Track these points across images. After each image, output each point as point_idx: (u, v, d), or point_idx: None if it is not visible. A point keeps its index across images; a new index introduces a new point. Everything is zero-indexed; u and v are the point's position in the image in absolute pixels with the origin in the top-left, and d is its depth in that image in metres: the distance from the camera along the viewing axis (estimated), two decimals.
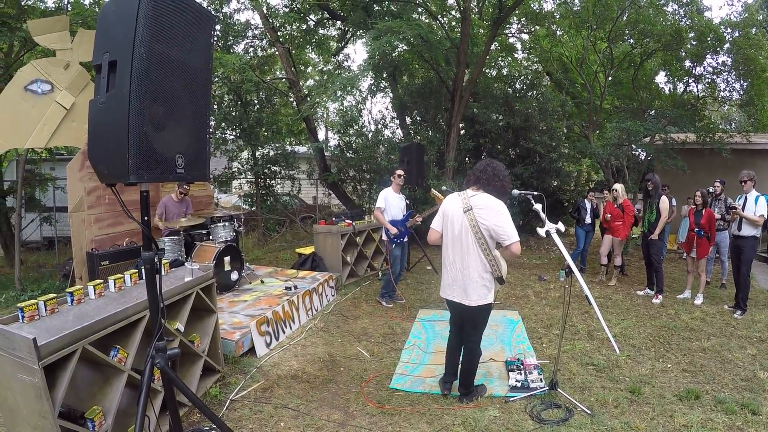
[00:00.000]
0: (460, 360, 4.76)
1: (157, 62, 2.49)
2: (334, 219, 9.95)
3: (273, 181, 16.43)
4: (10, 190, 11.52)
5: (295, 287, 7.54)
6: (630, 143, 13.59)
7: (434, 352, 5.81)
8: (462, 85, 13.55)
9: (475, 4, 15.63)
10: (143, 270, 2.82)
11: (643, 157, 15.01)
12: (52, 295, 3.53)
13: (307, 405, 4.61)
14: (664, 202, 8.20)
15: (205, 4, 12.16)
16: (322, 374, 5.32)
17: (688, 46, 13.67)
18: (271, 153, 16.09)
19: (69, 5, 11.02)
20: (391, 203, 7.83)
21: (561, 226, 4.60)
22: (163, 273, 2.99)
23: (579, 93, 17.33)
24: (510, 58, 18.45)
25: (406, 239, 8.12)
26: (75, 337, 3.06)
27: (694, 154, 13.69)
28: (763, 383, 4.96)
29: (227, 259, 7.58)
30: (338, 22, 16.04)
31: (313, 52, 18.73)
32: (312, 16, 15.75)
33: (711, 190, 8.57)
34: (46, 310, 3.41)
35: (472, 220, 4.25)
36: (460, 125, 14.33)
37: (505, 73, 18.05)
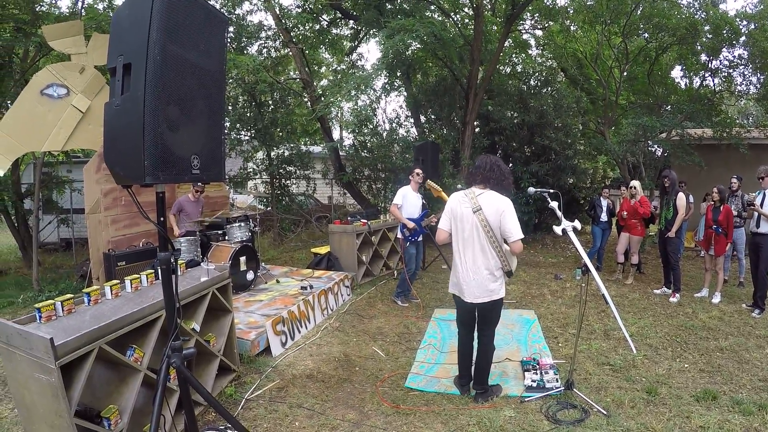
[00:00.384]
0: (475, 358, 4.79)
1: (172, 64, 2.51)
2: (349, 218, 9.98)
3: (288, 181, 16.53)
4: (28, 192, 11.66)
5: (311, 287, 7.57)
6: (646, 139, 13.50)
7: (449, 351, 5.80)
8: (476, 83, 13.50)
9: (488, 0, 15.57)
10: (159, 270, 2.85)
11: (660, 154, 14.90)
12: (69, 296, 3.59)
13: (322, 404, 4.63)
14: (681, 199, 8.11)
15: (218, 6, 12.23)
16: (337, 374, 5.34)
17: (704, 40, 13.48)
18: (286, 153, 16.17)
19: (83, 10, 11.13)
20: (409, 201, 7.85)
21: (577, 224, 4.59)
22: (179, 273, 3.01)
23: (594, 89, 17.19)
24: (524, 55, 18.33)
25: (420, 238, 8.12)
26: (92, 336, 3.10)
27: (711, 150, 13.57)
28: None
29: (243, 259, 7.65)
30: (351, 22, 16.05)
31: (326, 52, 18.76)
32: (325, 16, 15.76)
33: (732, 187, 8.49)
34: (63, 310, 3.47)
35: (483, 219, 4.32)
36: (475, 123, 14.29)
37: (519, 70, 17.95)
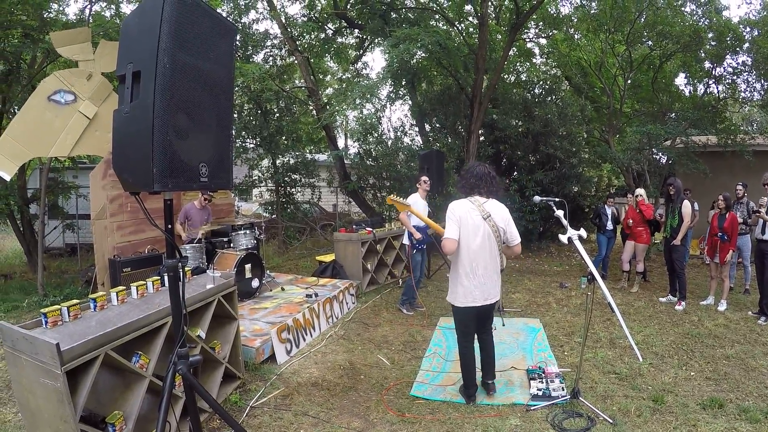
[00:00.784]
0: (486, 354, 4.93)
1: (181, 72, 2.52)
2: (354, 227, 9.99)
3: (293, 189, 16.55)
4: (34, 197, 11.74)
5: (316, 295, 7.58)
6: (651, 147, 13.49)
7: (455, 360, 5.77)
8: (481, 92, 13.53)
9: (492, 9, 15.62)
10: (166, 277, 2.86)
11: (664, 161, 14.88)
12: (75, 301, 3.60)
13: (327, 412, 4.63)
14: (686, 206, 8.10)
15: (224, 15, 12.30)
16: (342, 382, 5.34)
17: (707, 47, 13.51)
18: (291, 161, 16.22)
19: (90, 17, 11.22)
20: (419, 209, 7.84)
21: (583, 232, 4.59)
22: (185, 280, 3.02)
23: (598, 97, 17.23)
24: (528, 64, 18.39)
25: (424, 246, 8.13)
26: (98, 342, 3.11)
27: (716, 157, 13.56)
28: None
29: (248, 266, 7.66)
30: (356, 31, 16.15)
31: (331, 61, 18.84)
32: (330, 25, 15.86)
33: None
34: (69, 315, 3.48)
35: (494, 226, 4.48)
36: (480, 132, 14.30)
37: (523, 79, 18.00)
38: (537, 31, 17.18)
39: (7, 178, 7.45)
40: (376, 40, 15.25)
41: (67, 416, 2.90)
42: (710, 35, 13.26)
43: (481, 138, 14.85)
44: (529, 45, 18.08)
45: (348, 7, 14.91)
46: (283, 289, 8.25)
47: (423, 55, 14.03)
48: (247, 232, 8.52)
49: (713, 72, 14.47)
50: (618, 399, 4.76)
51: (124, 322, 3.41)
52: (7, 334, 3.09)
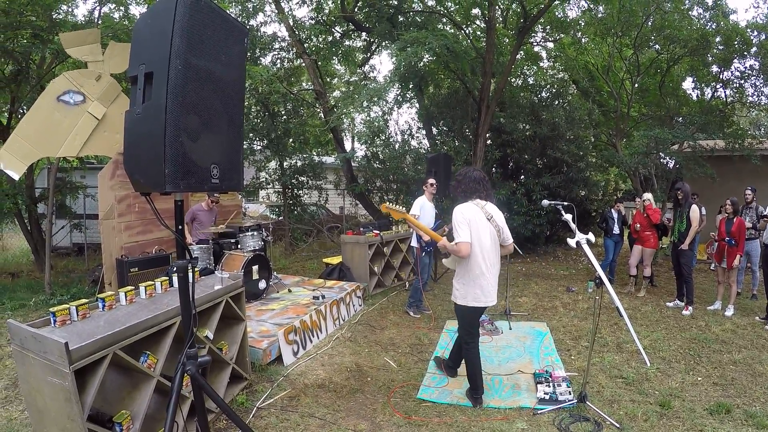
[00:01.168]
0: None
1: (193, 74, 2.53)
2: (362, 229, 10.00)
3: (300, 191, 16.59)
4: (42, 197, 11.81)
5: (323, 297, 7.59)
6: (658, 151, 13.44)
7: (462, 363, 5.78)
8: (488, 95, 13.52)
9: (500, 13, 15.61)
10: (175, 277, 2.86)
11: (672, 166, 14.83)
12: (83, 300, 3.62)
13: (333, 414, 4.65)
14: (694, 211, 8.08)
15: None
16: (349, 384, 5.36)
17: (715, 51, 13.44)
18: (299, 163, 16.27)
19: (99, 19, 11.27)
20: (426, 212, 7.89)
21: (591, 236, 4.60)
22: (194, 281, 3.03)
23: (606, 101, 17.17)
24: (535, 67, 18.36)
25: (431, 248, 8.14)
26: (106, 342, 3.12)
27: (723, 162, 13.50)
28: None
29: (255, 268, 7.68)
30: (363, 34, 16.15)
31: (339, 64, 18.86)
32: (338, 28, 15.86)
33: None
34: (77, 314, 3.51)
35: (496, 226, 4.68)
36: (487, 135, 14.29)
37: (531, 82, 17.99)
38: (544, 34, 17.14)
39: (16, 177, 7.50)
40: (384, 44, 15.26)
41: (74, 415, 2.91)
42: (718, 39, 13.20)
43: (489, 141, 14.84)
44: (536, 49, 18.03)
45: (356, 10, 14.94)
46: (290, 291, 8.27)
47: (430, 58, 14.03)
48: (255, 233, 8.54)
49: (721, 76, 14.40)
50: (625, 403, 4.75)
51: (132, 321, 3.42)
52: (15, 332, 3.11)
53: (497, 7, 14.01)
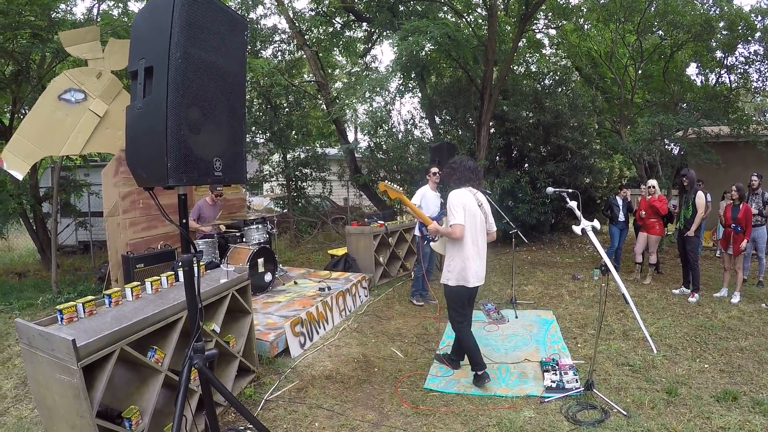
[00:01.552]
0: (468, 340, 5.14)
1: (193, 67, 2.51)
2: (366, 220, 10.00)
3: (304, 183, 16.60)
4: (46, 196, 11.82)
5: (329, 288, 7.62)
6: (663, 138, 13.39)
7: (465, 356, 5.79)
8: (491, 83, 13.44)
9: (501, 0, 15.53)
10: (180, 272, 2.85)
11: (676, 152, 14.77)
12: (90, 297, 3.63)
13: (341, 405, 4.66)
14: (700, 197, 8.03)
15: None
16: (356, 375, 5.37)
17: (719, 36, 13.38)
18: (302, 155, 16.29)
19: (98, 17, 11.25)
20: (428, 201, 7.84)
21: (597, 223, 4.60)
22: (200, 274, 3.02)
23: (609, 88, 17.10)
24: (538, 54, 18.26)
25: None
26: (113, 338, 3.13)
27: (728, 148, 13.45)
28: None
29: (261, 260, 7.69)
30: (364, 24, 16.08)
31: (340, 55, 18.81)
32: (338, 19, 15.80)
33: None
34: (84, 311, 3.51)
35: (484, 213, 4.99)
36: (490, 123, 14.24)
37: (533, 70, 17.88)
38: (546, 21, 17.02)
39: (20, 177, 7.49)
40: (385, 33, 15.21)
41: (83, 411, 2.91)
42: (721, 24, 13.13)
43: (492, 130, 14.77)
44: (538, 36, 17.94)
45: (356, 0, 14.87)
46: (296, 283, 8.29)
47: (432, 47, 13.97)
48: (260, 226, 8.55)
49: (725, 62, 14.34)
50: (632, 391, 4.75)
51: (139, 317, 3.43)
52: (23, 331, 3.11)
53: None
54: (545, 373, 5.02)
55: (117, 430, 3.17)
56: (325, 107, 16.20)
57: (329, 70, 18.91)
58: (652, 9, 13.53)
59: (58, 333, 2.98)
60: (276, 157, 16.49)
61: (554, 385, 4.82)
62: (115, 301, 3.82)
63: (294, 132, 15.66)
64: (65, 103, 7.55)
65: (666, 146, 14.60)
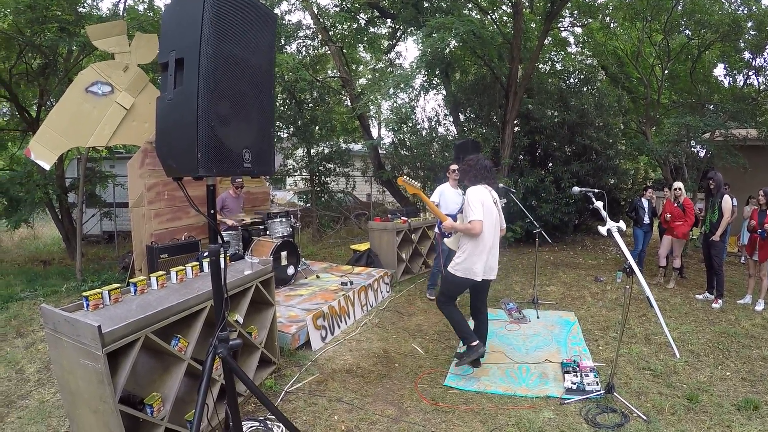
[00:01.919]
0: (485, 326, 5.48)
1: (223, 60, 2.53)
2: (389, 216, 10.03)
3: (327, 178, 16.70)
4: (72, 186, 12.04)
5: (351, 283, 7.68)
6: (689, 140, 13.22)
7: (489, 351, 5.79)
8: (516, 81, 13.38)
9: None
10: (206, 262, 2.87)
11: (703, 155, 14.57)
12: (116, 285, 3.70)
13: (361, 399, 4.71)
14: (726, 201, 7.92)
15: None
16: (376, 369, 5.42)
17: (747, 37, 13.10)
18: (326, 151, 16.37)
19: (125, 12, 11.40)
20: (447, 198, 7.82)
21: (622, 224, 4.58)
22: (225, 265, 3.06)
23: (635, 87, 16.88)
24: (563, 53, 18.10)
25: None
26: (138, 325, 3.19)
27: (756, 151, 13.23)
28: None
29: (284, 254, 7.76)
30: (389, 20, 16.08)
31: (364, 51, 18.83)
32: (362, 15, 15.82)
33: None
34: (110, 299, 3.57)
35: (499, 210, 5.20)
36: (515, 122, 14.17)
37: (559, 68, 17.74)
38: (572, 19, 16.84)
39: (47, 167, 7.64)
40: (409, 30, 15.18)
41: (106, 397, 2.97)
42: (750, 24, 12.86)
43: (516, 128, 14.70)
44: (563, 34, 17.75)
45: None
46: (318, 277, 8.35)
47: (456, 44, 13.93)
48: (283, 220, 8.60)
49: (753, 62, 14.07)
50: (652, 396, 4.73)
51: (163, 306, 3.49)
52: (49, 316, 3.18)
53: None
54: (566, 375, 5.01)
55: (139, 415, 3.23)
56: (349, 103, 16.23)
57: (353, 66, 18.94)
58: (680, 8, 13.32)
59: (83, 319, 3.04)
60: (300, 151, 16.56)
61: (574, 386, 4.81)
62: (140, 289, 3.89)
63: (318, 127, 15.74)
64: (92, 96, 7.67)
65: (692, 148, 14.40)
